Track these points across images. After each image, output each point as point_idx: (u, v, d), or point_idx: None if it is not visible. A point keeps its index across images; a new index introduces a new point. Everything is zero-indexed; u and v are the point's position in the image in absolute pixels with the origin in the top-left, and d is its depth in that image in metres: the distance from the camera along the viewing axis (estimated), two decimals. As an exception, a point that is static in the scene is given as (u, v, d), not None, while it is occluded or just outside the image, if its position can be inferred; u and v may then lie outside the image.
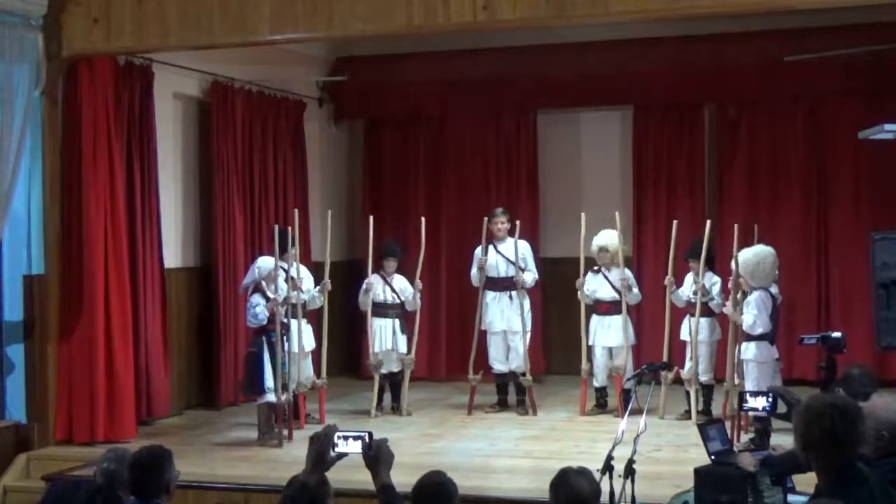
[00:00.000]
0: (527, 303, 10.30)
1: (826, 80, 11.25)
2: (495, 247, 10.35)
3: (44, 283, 8.92)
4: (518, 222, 10.35)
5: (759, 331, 8.81)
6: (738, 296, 9.00)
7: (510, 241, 10.31)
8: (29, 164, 8.76)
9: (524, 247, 10.38)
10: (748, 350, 8.90)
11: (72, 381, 8.94)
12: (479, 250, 10.30)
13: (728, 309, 9.16)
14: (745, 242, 9.31)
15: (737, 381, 8.92)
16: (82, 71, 8.98)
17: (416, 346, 10.52)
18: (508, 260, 10.26)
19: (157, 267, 9.88)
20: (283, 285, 9.31)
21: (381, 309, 10.32)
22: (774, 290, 9.41)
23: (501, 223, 10.31)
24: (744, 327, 8.92)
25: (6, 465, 8.39)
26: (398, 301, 10.36)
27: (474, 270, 10.34)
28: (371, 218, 10.39)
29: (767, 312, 8.81)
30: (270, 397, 9.04)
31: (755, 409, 6.33)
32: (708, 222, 9.66)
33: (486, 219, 10.24)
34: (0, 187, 8.40)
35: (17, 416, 8.90)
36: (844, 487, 3.80)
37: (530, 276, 10.29)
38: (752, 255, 8.98)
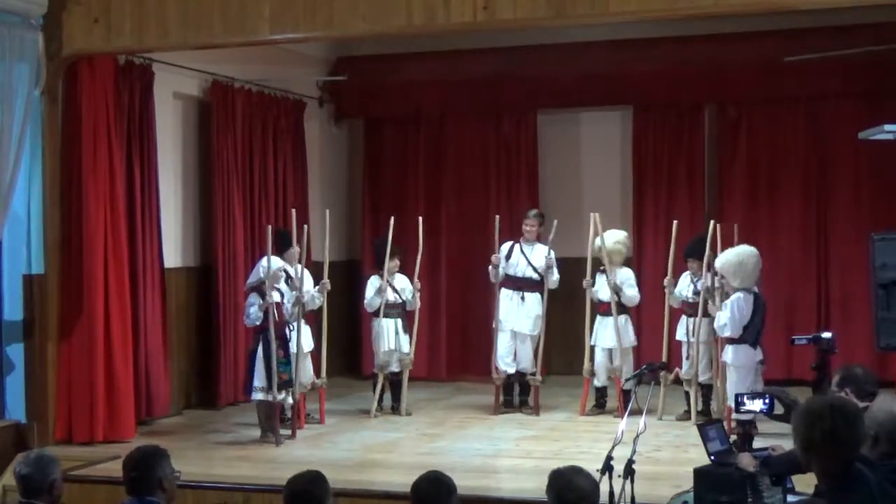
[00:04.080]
0: (543, 306, 10.26)
1: (826, 81, 11.26)
2: (521, 247, 10.34)
3: (43, 282, 8.92)
4: (556, 221, 10.28)
5: (727, 333, 8.78)
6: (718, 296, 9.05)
7: (539, 246, 10.29)
8: (29, 163, 8.76)
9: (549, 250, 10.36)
10: (727, 353, 8.89)
11: (71, 380, 8.94)
12: (504, 247, 10.28)
13: (712, 308, 9.17)
14: (731, 242, 9.34)
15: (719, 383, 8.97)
16: (82, 70, 8.98)
17: (416, 346, 10.52)
18: (530, 263, 10.25)
19: (156, 266, 9.88)
20: (284, 286, 9.32)
21: (385, 309, 10.30)
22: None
23: (531, 225, 10.29)
24: (715, 326, 8.92)
25: (6, 464, 8.37)
26: (399, 301, 10.36)
27: (491, 267, 10.33)
28: (392, 219, 10.32)
29: (742, 317, 8.76)
30: (258, 396, 9.05)
31: (752, 412, 6.32)
32: (711, 223, 9.65)
33: (497, 217, 10.19)
34: (0, 186, 8.40)
35: (17, 415, 8.91)
36: (844, 488, 3.79)
37: (555, 275, 10.28)
38: (734, 256, 8.93)
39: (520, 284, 10.30)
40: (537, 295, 10.24)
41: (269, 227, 9.42)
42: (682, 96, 11.88)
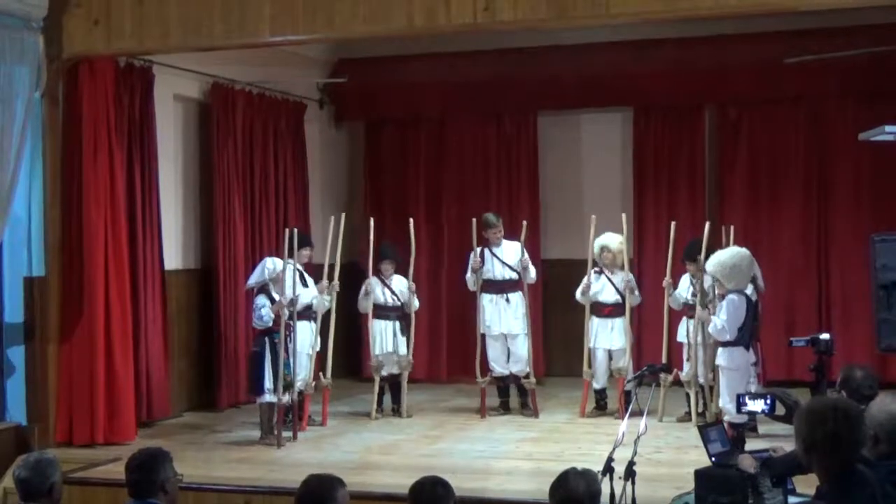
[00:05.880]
0: (525, 304, 10.28)
1: (826, 82, 11.26)
2: (491, 250, 10.33)
3: (44, 284, 8.92)
4: (525, 223, 10.32)
5: (725, 337, 8.75)
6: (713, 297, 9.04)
7: (507, 244, 10.30)
8: (29, 165, 8.76)
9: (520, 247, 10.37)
10: (721, 356, 8.88)
11: (72, 382, 8.94)
12: (476, 252, 10.29)
13: (702, 312, 9.14)
14: (721, 244, 9.36)
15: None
16: (83, 72, 8.98)
17: (416, 348, 10.52)
18: (504, 263, 10.25)
19: (157, 268, 9.88)
20: (299, 287, 9.32)
21: (381, 311, 10.32)
22: (750, 289, 9.36)
23: (497, 231, 10.28)
24: (710, 330, 8.90)
25: (6, 466, 8.36)
26: (398, 303, 10.36)
27: (468, 274, 10.34)
28: (371, 220, 10.38)
29: (738, 318, 8.75)
30: (269, 397, 9.06)
31: (754, 412, 6.31)
32: (707, 224, 9.65)
33: (473, 220, 10.22)
34: (1, 189, 8.40)
35: (18, 417, 8.91)
36: (846, 490, 3.80)
37: (532, 271, 10.27)
38: (728, 257, 8.92)
39: (501, 287, 10.30)
40: (519, 294, 10.23)
41: (290, 229, 9.43)
42: (682, 98, 11.88)
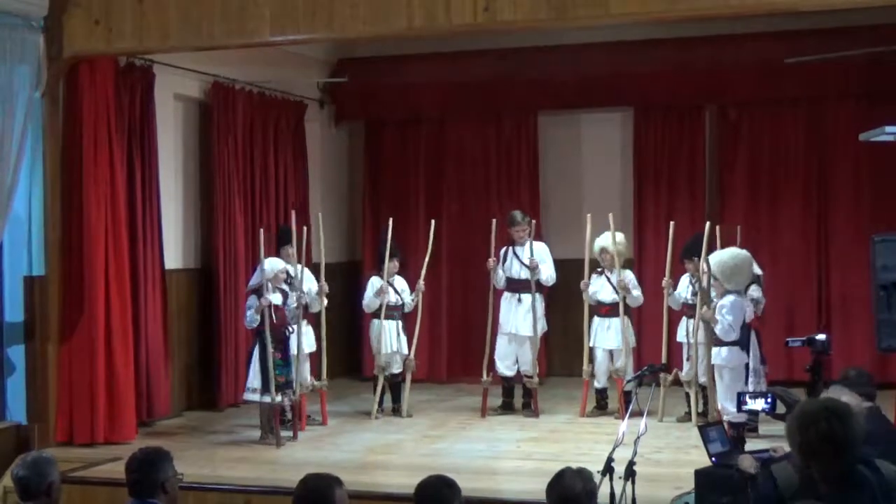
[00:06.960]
0: (540, 306, 10.29)
1: (826, 82, 11.27)
2: (514, 249, 10.35)
3: (44, 284, 8.92)
4: (533, 221, 10.34)
5: (732, 336, 8.78)
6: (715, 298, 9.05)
7: (530, 243, 10.31)
8: (30, 165, 8.76)
9: (539, 247, 10.37)
10: (719, 355, 8.89)
11: (72, 382, 8.94)
12: (502, 252, 10.29)
13: (706, 312, 9.14)
14: (734, 244, 9.36)
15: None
16: (83, 72, 8.98)
17: (417, 348, 10.52)
18: (522, 263, 10.26)
19: (157, 268, 9.88)
20: (286, 287, 9.32)
21: (386, 310, 10.29)
22: (758, 293, 9.36)
23: (522, 230, 10.29)
24: (717, 332, 8.90)
25: (6, 466, 8.36)
26: (400, 303, 10.36)
27: (492, 273, 10.34)
28: (391, 220, 10.34)
29: (741, 318, 8.77)
30: (248, 396, 9.06)
31: (755, 411, 6.32)
32: (707, 224, 9.65)
33: (494, 221, 10.22)
34: (1, 188, 8.40)
35: (18, 417, 8.91)
36: (846, 492, 3.78)
37: (545, 271, 10.27)
38: (729, 258, 8.92)
39: (516, 286, 10.32)
40: (530, 294, 10.22)
41: (261, 230, 9.44)
42: (682, 98, 11.89)
